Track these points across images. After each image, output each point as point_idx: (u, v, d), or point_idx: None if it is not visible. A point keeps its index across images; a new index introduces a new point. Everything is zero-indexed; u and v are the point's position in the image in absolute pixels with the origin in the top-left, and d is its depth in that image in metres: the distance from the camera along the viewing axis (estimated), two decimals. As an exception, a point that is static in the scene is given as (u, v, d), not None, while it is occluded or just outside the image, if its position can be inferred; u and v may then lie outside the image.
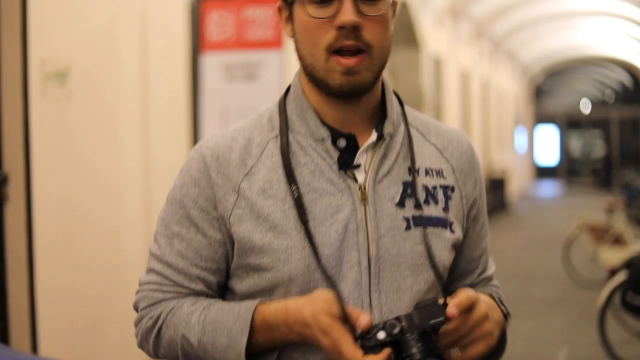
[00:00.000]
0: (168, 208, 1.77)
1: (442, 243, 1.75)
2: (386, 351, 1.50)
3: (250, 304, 1.66)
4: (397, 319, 1.52)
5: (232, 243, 1.71)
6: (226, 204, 1.70)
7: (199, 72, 6.84)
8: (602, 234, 11.19)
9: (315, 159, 1.71)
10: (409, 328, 1.51)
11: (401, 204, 1.72)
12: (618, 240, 10.96)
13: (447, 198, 1.78)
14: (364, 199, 1.70)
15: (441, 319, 1.52)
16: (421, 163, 1.78)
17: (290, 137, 1.73)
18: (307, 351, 1.66)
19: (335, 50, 1.64)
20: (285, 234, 1.66)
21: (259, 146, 1.73)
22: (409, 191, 1.74)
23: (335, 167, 1.70)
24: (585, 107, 38.73)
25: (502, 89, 26.24)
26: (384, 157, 1.74)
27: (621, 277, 6.90)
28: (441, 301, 1.56)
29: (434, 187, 1.78)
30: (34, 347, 4.70)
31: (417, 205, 1.73)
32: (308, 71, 1.70)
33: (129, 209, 6.82)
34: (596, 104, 38.69)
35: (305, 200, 1.68)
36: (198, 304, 1.71)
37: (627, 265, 7.20)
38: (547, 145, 37.38)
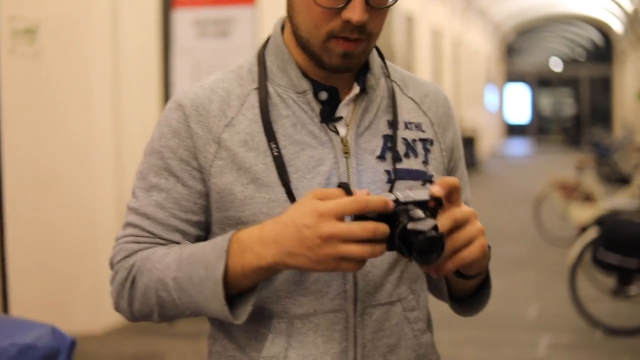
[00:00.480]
0: (146, 160, 1.71)
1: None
2: (383, 200, 1.43)
3: (227, 234, 1.59)
4: (392, 193, 1.48)
5: (212, 195, 1.67)
6: (206, 154, 1.66)
7: (171, 29, 6.75)
8: (572, 192, 11.25)
9: (296, 112, 1.68)
10: (404, 198, 1.46)
11: (382, 157, 1.71)
12: (588, 198, 11.03)
13: (427, 151, 1.77)
14: (346, 152, 1.69)
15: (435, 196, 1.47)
16: (400, 117, 1.77)
17: (271, 89, 1.70)
18: (287, 303, 1.63)
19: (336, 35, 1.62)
20: (267, 187, 1.63)
21: (239, 98, 1.70)
22: (389, 144, 1.72)
23: (317, 119, 1.68)
24: (556, 65, 38.81)
25: (473, 48, 26.22)
26: (365, 110, 1.72)
27: (592, 234, 6.94)
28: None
29: (414, 141, 1.76)
30: (5, 309, 4.66)
31: (397, 159, 1.72)
32: (301, 41, 1.67)
33: (100, 166, 6.77)
34: (567, 62, 38.77)
35: (286, 153, 1.65)
36: (173, 247, 1.66)
37: (597, 223, 7.26)
38: (518, 104, 37.48)
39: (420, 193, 1.49)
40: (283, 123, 1.67)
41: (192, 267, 1.58)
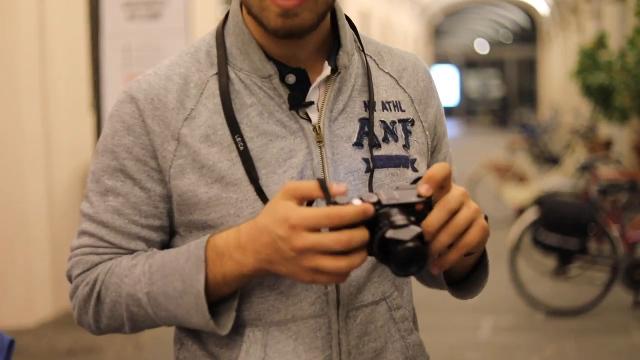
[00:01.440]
0: (98, 160, 1.54)
1: (404, 184, 1.57)
2: (365, 207, 1.29)
3: (200, 240, 1.44)
4: (374, 194, 1.34)
5: (173, 197, 1.50)
6: (165, 153, 1.48)
7: (100, 11, 6.52)
8: (505, 173, 11.29)
9: (262, 99, 1.51)
10: (387, 200, 1.32)
11: (359, 143, 1.55)
12: (521, 179, 11.08)
13: (407, 133, 1.61)
14: (319, 140, 1.52)
15: (424, 199, 1.34)
16: (377, 96, 1.60)
17: (232, 75, 1.52)
18: (261, 309, 1.49)
19: None
20: (234, 186, 1.47)
21: (197, 85, 1.52)
22: (366, 129, 1.56)
23: (285, 106, 1.51)
24: (483, 47, 39.10)
25: (401, 30, 26.23)
26: (338, 91, 1.55)
27: (531, 215, 6.92)
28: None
29: (393, 122, 1.59)
30: None
31: (376, 145, 1.56)
32: (245, 5, 1.50)
33: (28, 159, 6.55)
34: (494, 44, 39.11)
35: (253, 147, 1.48)
36: (138, 257, 1.50)
37: (536, 204, 7.23)
38: (446, 86, 37.68)
39: (407, 194, 1.34)
40: (248, 112, 1.50)
41: (166, 279, 1.44)
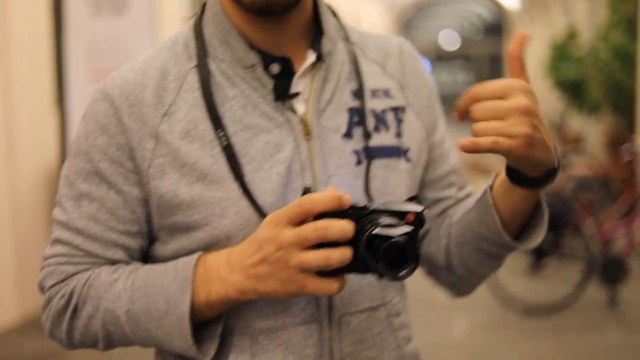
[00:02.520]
0: (71, 163, 1.44)
1: (398, 176, 1.49)
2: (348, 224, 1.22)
3: (189, 259, 1.35)
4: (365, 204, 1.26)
5: (152, 200, 1.40)
6: (143, 152, 1.38)
7: (63, 7, 6.35)
8: (475, 167, 11.25)
9: (245, 91, 1.41)
10: (375, 206, 1.25)
11: (348, 134, 1.45)
12: (490, 174, 11.02)
13: (399, 121, 1.52)
14: (307, 133, 1.42)
15: (417, 210, 1.25)
16: (366, 84, 1.51)
17: (213, 66, 1.42)
18: (249, 316, 1.39)
19: None
20: (217, 184, 1.36)
21: (176, 79, 1.42)
22: (355, 119, 1.47)
23: (270, 97, 1.41)
24: (453, 41, 39.16)
25: (370, 23, 26.18)
26: (325, 80, 1.46)
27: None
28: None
29: (383, 111, 1.51)
30: None
31: (366, 135, 1.46)
32: None
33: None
34: (464, 38, 39.19)
35: (237, 142, 1.38)
36: (119, 270, 1.39)
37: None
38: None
39: (399, 204, 1.26)
40: (230, 105, 1.40)
41: (148, 298, 1.34)
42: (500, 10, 33.72)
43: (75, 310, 1.40)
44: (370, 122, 1.48)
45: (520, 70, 1.31)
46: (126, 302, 1.35)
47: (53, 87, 7.02)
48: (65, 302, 1.40)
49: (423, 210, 1.27)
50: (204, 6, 1.47)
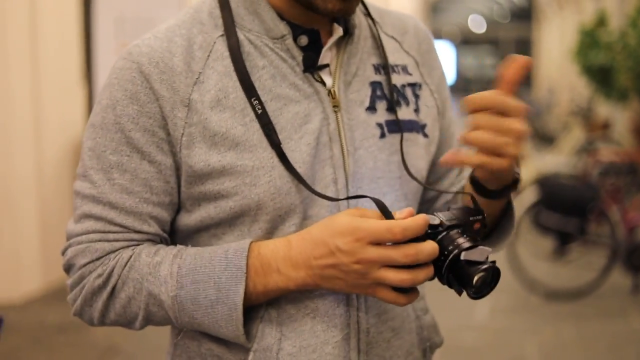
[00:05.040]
0: (97, 135, 1.39)
1: (418, 150, 1.50)
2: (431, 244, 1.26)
3: (240, 246, 1.33)
4: (433, 214, 1.29)
5: (183, 169, 1.38)
6: (176, 120, 1.35)
7: (92, -21, 6.36)
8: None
9: (274, 61, 1.40)
10: (447, 221, 1.28)
11: (372, 108, 1.46)
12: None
13: (417, 97, 1.53)
14: (335, 105, 1.42)
15: (479, 217, 1.31)
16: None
17: (241, 36, 1.40)
18: (299, 302, 1.39)
19: None
20: (249, 152, 1.35)
21: (202, 48, 1.39)
22: (378, 92, 1.47)
23: (298, 69, 1.40)
24: (479, 25, 38.93)
25: (400, 6, 26.07)
26: (351, 54, 1.46)
27: (531, 196, 6.81)
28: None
29: (403, 86, 1.52)
30: None
31: (391, 108, 1.47)
32: None
33: (18, 123, 6.40)
34: (490, 22, 38.94)
35: (268, 111, 1.37)
36: (161, 252, 1.37)
37: (536, 184, 7.11)
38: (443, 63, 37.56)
39: (460, 213, 1.30)
40: (260, 75, 1.38)
41: (197, 285, 1.33)
42: (528, -6, 33.49)
43: (114, 290, 1.37)
44: (394, 96, 1.49)
45: (511, 93, 1.31)
46: (173, 287, 1.33)
47: (81, 62, 7.03)
48: (103, 282, 1.37)
49: (484, 215, 1.32)
50: None
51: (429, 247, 1.24)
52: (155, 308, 1.36)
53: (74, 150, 6.90)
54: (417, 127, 1.51)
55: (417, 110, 1.52)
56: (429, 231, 1.26)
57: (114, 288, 1.37)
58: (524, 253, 7.00)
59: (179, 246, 1.39)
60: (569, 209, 6.56)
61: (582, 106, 14.10)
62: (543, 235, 6.85)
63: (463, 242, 1.25)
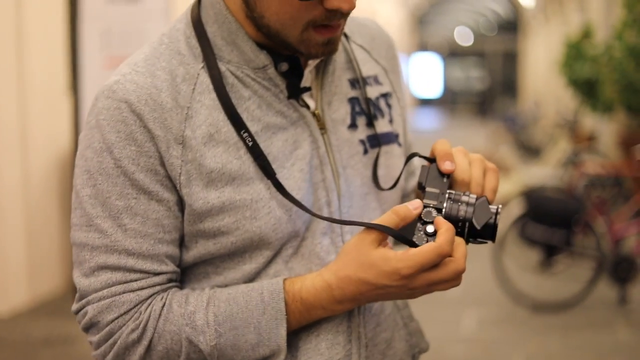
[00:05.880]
0: (97, 181, 1.34)
1: (396, 161, 1.52)
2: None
3: (274, 287, 1.33)
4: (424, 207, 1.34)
5: (185, 207, 1.35)
6: (172, 160, 1.32)
7: (78, -8, 6.36)
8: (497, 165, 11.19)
9: (258, 90, 1.38)
10: (439, 203, 1.34)
11: (353, 125, 1.46)
12: (503, 170, 11.00)
13: (389, 107, 1.54)
14: (321, 127, 1.42)
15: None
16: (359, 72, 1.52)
17: (222, 68, 1.37)
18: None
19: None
20: (246, 186, 1.34)
21: (186, 80, 1.36)
22: (357, 109, 1.47)
23: (282, 96, 1.39)
24: (467, 38, 39.05)
25: (386, 19, 26.13)
26: (328, 73, 1.46)
27: (518, 209, 6.82)
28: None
29: (377, 98, 1.52)
30: None
31: (370, 123, 1.48)
32: (266, 30, 1.34)
33: (5, 135, 6.37)
34: (477, 34, 39.06)
35: (260, 142, 1.36)
36: (192, 300, 1.35)
37: (523, 197, 7.12)
38: (430, 77, 37.58)
39: (437, 183, 1.35)
40: (247, 106, 1.37)
41: (236, 332, 1.32)
42: (515, 7, 33.61)
43: (150, 344, 1.34)
44: (371, 111, 1.50)
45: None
46: (212, 336, 1.32)
47: (67, 74, 7.02)
48: (138, 337, 1.33)
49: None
50: (199, 1, 1.42)
51: (463, 253, 1.28)
52: (195, 355, 1.33)
53: (60, 162, 6.88)
54: (392, 138, 1.52)
55: (391, 121, 1.53)
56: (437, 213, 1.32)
57: (150, 342, 1.33)
58: (510, 265, 7.01)
59: (208, 291, 1.36)
60: (555, 221, 6.57)
61: (568, 118, 14.14)
62: (529, 247, 6.86)
63: (463, 209, 1.31)
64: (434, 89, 37.51)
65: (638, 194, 7.89)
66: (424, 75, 37.74)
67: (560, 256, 6.85)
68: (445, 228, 1.27)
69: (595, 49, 11.51)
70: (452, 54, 38.05)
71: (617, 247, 6.74)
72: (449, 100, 37.33)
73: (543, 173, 10.18)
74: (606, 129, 12.87)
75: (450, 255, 1.27)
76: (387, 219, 1.29)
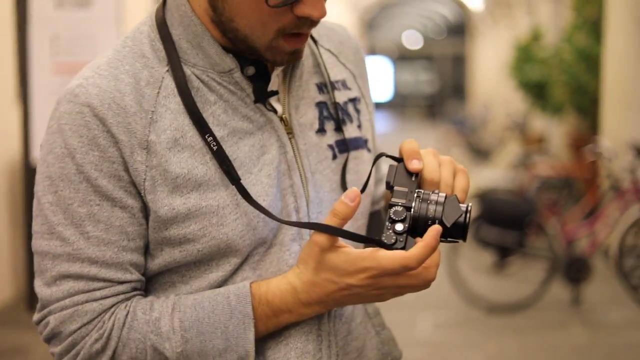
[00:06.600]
0: (58, 188, 1.30)
1: (365, 168, 1.50)
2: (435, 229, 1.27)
3: (239, 290, 1.31)
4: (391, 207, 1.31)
5: (150, 214, 1.32)
6: (136, 165, 1.29)
7: (27, -3, 6.27)
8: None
9: (223, 95, 1.35)
10: (407, 201, 1.30)
11: (322, 130, 1.44)
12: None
13: (358, 112, 1.52)
14: (289, 132, 1.39)
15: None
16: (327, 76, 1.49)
17: (187, 71, 1.34)
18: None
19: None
20: (212, 192, 1.31)
21: (150, 84, 1.33)
22: (325, 113, 1.45)
23: (248, 100, 1.36)
24: (416, 41, 39.27)
25: (336, 21, 26.18)
26: (295, 77, 1.43)
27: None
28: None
29: (345, 103, 1.50)
30: None
31: (338, 128, 1.46)
32: (234, 34, 1.32)
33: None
34: (427, 38, 39.29)
35: (225, 147, 1.33)
36: (157, 307, 1.31)
37: (476, 199, 7.16)
38: (379, 81, 37.68)
39: (404, 181, 1.33)
40: (213, 110, 1.34)
41: (203, 337, 1.29)
42: (463, 10, 33.86)
43: (115, 353, 1.30)
44: (339, 115, 1.47)
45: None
46: (178, 343, 1.29)
47: (16, 81, 6.92)
48: (102, 346, 1.30)
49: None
50: (164, 3, 1.39)
51: (436, 262, 1.27)
52: None
53: (9, 170, 6.77)
54: (362, 144, 1.50)
55: (360, 126, 1.51)
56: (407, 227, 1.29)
57: (114, 351, 1.30)
58: (464, 268, 7.03)
59: (173, 297, 1.33)
60: (507, 223, 6.62)
61: (517, 121, 14.27)
62: (483, 249, 6.90)
63: (432, 208, 1.28)
64: (384, 93, 37.59)
65: (588, 195, 7.98)
66: (374, 79, 37.81)
67: (514, 258, 6.90)
68: (424, 243, 1.24)
69: (545, 51, 11.62)
70: (401, 57, 38.21)
71: (569, 248, 6.80)
72: (399, 104, 37.44)
73: (494, 175, 10.25)
74: (556, 131, 13.01)
75: (414, 269, 1.25)
76: (328, 222, 1.27)
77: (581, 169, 8.97)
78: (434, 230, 1.25)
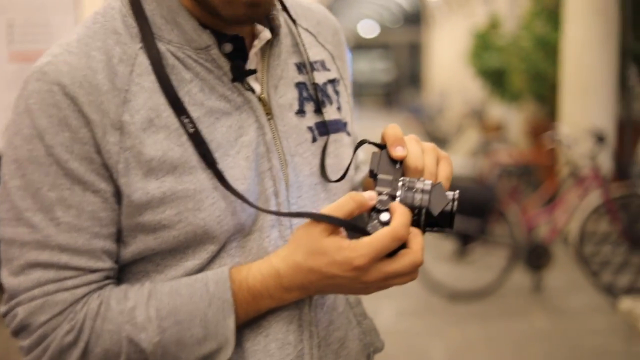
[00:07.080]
0: (26, 171, 1.23)
1: (346, 150, 1.45)
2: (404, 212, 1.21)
3: (217, 276, 1.25)
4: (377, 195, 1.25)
5: (122, 198, 1.25)
6: (109, 147, 1.22)
7: (-19, -17, 6.15)
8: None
9: (200, 73, 1.29)
10: (392, 190, 1.25)
11: (301, 111, 1.39)
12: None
13: (337, 94, 1.47)
14: (267, 112, 1.34)
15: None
16: (306, 56, 1.44)
17: (162, 48, 1.28)
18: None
19: None
20: (189, 175, 1.24)
21: (123, 61, 1.25)
22: (304, 94, 1.40)
23: (226, 79, 1.30)
24: (372, 30, 39.33)
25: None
26: (274, 56, 1.38)
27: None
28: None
29: (324, 84, 1.45)
30: None
31: (318, 110, 1.41)
32: None
33: None
34: (383, 27, 39.37)
35: (202, 128, 1.27)
36: (132, 295, 1.25)
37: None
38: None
39: (389, 169, 1.27)
40: (189, 89, 1.28)
41: (181, 325, 1.23)
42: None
43: (87, 346, 1.23)
44: (319, 97, 1.43)
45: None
46: (154, 333, 1.22)
47: (-30, 68, 6.80)
48: (74, 338, 1.23)
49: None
50: None
51: (420, 244, 1.22)
52: (136, 356, 1.23)
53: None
54: (341, 126, 1.46)
55: (339, 109, 1.47)
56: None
57: (87, 344, 1.23)
58: (426, 255, 6.93)
59: (148, 285, 1.27)
60: (468, 211, 6.63)
61: (475, 108, 14.33)
62: (444, 237, 6.91)
63: (419, 197, 1.23)
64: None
65: (547, 182, 8.03)
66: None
67: (475, 245, 6.92)
68: (400, 211, 1.19)
69: (503, 39, 11.67)
70: (357, 46, 38.24)
71: (530, 235, 6.84)
72: (356, 92, 37.37)
73: (453, 162, 10.27)
74: (514, 118, 13.08)
75: (405, 239, 1.20)
76: (343, 203, 1.21)
77: (540, 156, 9.02)
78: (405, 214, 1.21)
